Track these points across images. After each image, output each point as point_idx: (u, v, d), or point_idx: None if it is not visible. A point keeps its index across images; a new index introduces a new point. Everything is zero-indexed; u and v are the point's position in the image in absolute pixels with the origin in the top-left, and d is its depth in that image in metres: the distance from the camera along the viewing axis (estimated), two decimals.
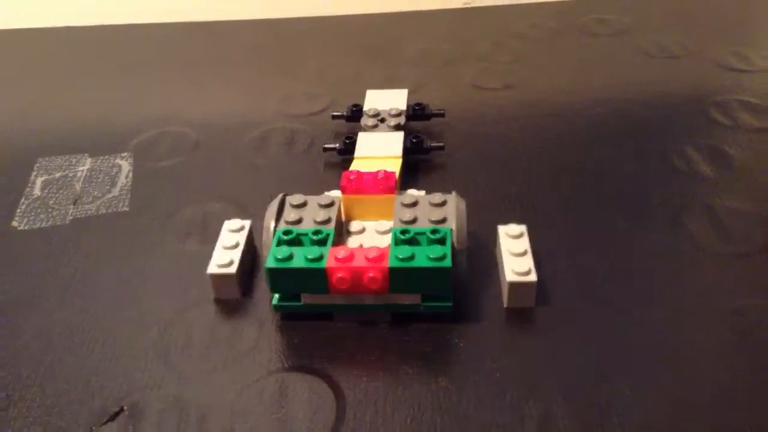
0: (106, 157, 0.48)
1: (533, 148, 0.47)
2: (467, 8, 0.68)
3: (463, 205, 0.36)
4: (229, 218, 0.41)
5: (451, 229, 0.35)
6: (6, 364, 0.34)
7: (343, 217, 0.38)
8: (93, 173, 0.47)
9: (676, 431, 0.29)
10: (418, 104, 0.48)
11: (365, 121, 0.46)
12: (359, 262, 0.33)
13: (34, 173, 0.47)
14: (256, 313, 0.36)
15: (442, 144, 0.46)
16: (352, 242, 0.37)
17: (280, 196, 0.37)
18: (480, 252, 0.38)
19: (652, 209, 0.41)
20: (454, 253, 0.34)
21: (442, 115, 0.49)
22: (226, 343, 0.34)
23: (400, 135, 0.44)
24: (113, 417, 0.31)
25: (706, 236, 0.39)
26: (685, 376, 0.32)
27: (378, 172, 0.38)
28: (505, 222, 0.38)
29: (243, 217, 0.43)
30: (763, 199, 0.42)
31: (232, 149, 0.49)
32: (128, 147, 0.49)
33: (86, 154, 0.47)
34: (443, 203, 0.36)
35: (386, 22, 0.66)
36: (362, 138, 0.44)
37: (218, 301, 0.36)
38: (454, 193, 0.37)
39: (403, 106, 0.48)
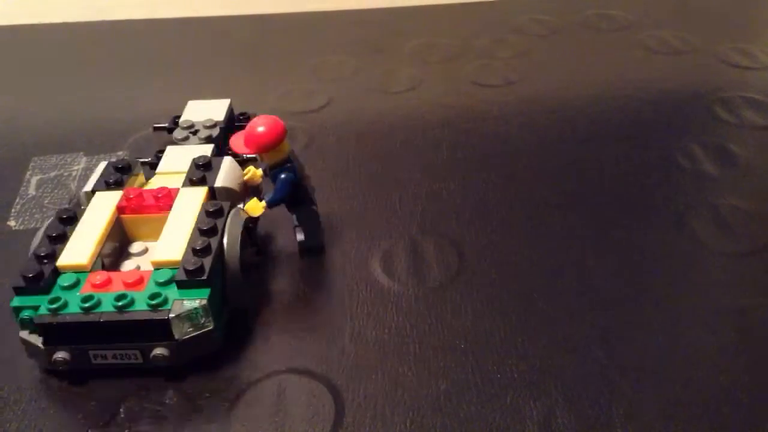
0: (102, 155, 0.48)
1: (534, 146, 0.47)
2: (467, 3, 0.67)
3: (238, 219, 0.35)
4: None
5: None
6: (1, 366, 0.33)
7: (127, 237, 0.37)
8: (88, 172, 0.46)
9: (677, 431, 0.29)
10: (242, 114, 0.47)
11: (176, 133, 0.44)
12: (117, 287, 0.32)
13: (29, 172, 0.47)
14: (254, 315, 0.35)
15: (256, 155, 0.43)
16: (130, 264, 0.35)
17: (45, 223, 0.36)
18: (478, 250, 0.38)
19: (656, 208, 0.41)
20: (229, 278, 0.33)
21: None
22: (222, 346, 0.34)
23: (209, 148, 0.42)
24: (109, 420, 0.31)
25: (710, 235, 0.39)
26: (687, 375, 0.31)
27: (159, 189, 0.37)
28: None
29: None
30: None
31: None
32: (124, 145, 0.49)
33: (81, 153, 0.47)
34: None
35: (385, 18, 0.66)
36: (169, 152, 0.41)
37: None
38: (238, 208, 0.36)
39: (220, 117, 0.45)
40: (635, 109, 0.50)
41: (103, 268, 0.34)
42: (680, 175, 0.44)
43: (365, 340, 0.34)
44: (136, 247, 0.36)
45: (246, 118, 0.47)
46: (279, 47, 0.61)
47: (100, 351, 0.31)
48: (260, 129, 0.35)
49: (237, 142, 0.36)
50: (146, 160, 0.43)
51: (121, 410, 0.31)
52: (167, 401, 0.31)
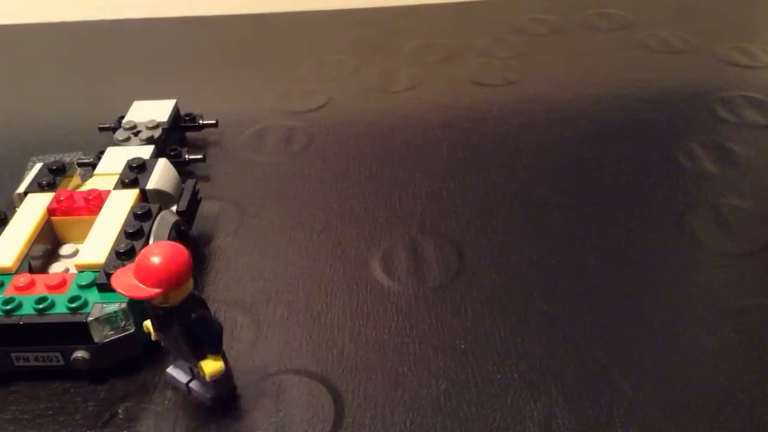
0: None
1: (534, 146, 0.47)
2: (467, 2, 0.67)
3: (169, 218, 0.35)
4: (224, 219, 0.40)
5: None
6: None
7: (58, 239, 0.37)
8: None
9: (677, 431, 0.29)
10: (188, 114, 0.47)
11: (118, 134, 0.44)
12: (39, 290, 0.32)
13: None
14: (254, 314, 0.35)
15: (201, 156, 0.44)
16: (60, 267, 0.35)
17: None
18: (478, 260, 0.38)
19: (656, 207, 0.41)
20: None
21: (215, 125, 0.47)
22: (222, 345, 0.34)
23: (149, 149, 0.42)
24: (108, 421, 0.31)
25: (710, 235, 0.39)
26: (687, 376, 0.31)
27: (90, 191, 0.37)
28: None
29: (240, 219, 0.43)
30: None
31: (228, 147, 0.48)
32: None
33: (80, 153, 0.47)
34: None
35: (385, 17, 0.66)
36: (109, 153, 0.41)
37: (215, 301, 0.36)
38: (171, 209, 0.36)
39: (163, 118, 0.45)
40: (635, 108, 0.50)
41: (31, 270, 0.34)
42: (680, 174, 0.43)
43: (365, 340, 0.34)
44: (66, 250, 0.36)
45: (191, 119, 0.47)
46: (278, 46, 0.61)
47: (21, 353, 0.32)
48: (160, 260, 0.27)
49: (126, 281, 0.27)
50: (87, 160, 0.43)
51: (120, 411, 0.31)
52: (166, 402, 0.31)
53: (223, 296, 0.37)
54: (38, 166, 0.39)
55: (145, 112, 0.46)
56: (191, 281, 0.28)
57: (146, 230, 0.34)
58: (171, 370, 0.31)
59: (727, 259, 0.37)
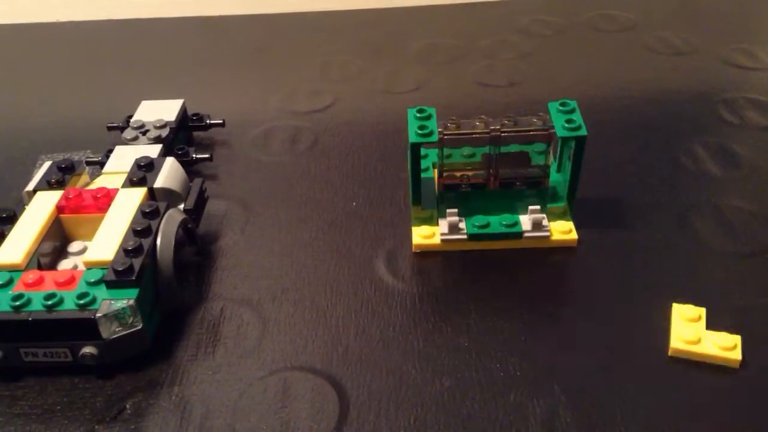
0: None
1: None
2: (471, 4, 0.67)
3: (176, 216, 0.35)
4: (231, 218, 0.40)
5: (158, 244, 0.34)
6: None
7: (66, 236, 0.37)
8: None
9: (678, 430, 0.29)
10: (195, 114, 0.48)
11: (126, 133, 0.44)
12: (48, 286, 0.32)
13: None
14: (260, 312, 0.36)
15: (208, 155, 0.45)
16: (68, 264, 0.36)
17: None
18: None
19: (659, 208, 0.41)
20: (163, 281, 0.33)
21: (222, 125, 0.48)
22: (229, 342, 0.34)
23: (156, 148, 0.42)
24: (115, 416, 0.31)
25: (712, 236, 0.39)
26: (688, 375, 0.32)
27: (98, 189, 0.37)
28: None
29: (246, 218, 0.43)
30: None
31: (235, 146, 0.49)
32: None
33: (89, 151, 0.47)
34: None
35: (390, 18, 0.66)
36: (118, 151, 0.42)
37: (222, 299, 0.36)
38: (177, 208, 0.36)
39: (171, 118, 0.46)
40: (638, 109, 0.50)
41: (40, 267, 0.35)
42: (683, 175, 0.44)
43: (370, 337, 0.34)
44: (74, 247, 0.37)
45: (199, 118, 0.48)
46: (285, 47, 0.62)
47: (30, 349, 0.32)
48: None
49: None
50: (95, 159, 0.44)
51: (128, 406, 0.31)
52: (173, 397, 0.32)
53: (230, 294, 0.37)
54: (47, 164, 0.40)
55: (153, 111, 0.47)
56: None
57: (154, 228, 0.34)
58: None
59: (729, 260, 0.37)
